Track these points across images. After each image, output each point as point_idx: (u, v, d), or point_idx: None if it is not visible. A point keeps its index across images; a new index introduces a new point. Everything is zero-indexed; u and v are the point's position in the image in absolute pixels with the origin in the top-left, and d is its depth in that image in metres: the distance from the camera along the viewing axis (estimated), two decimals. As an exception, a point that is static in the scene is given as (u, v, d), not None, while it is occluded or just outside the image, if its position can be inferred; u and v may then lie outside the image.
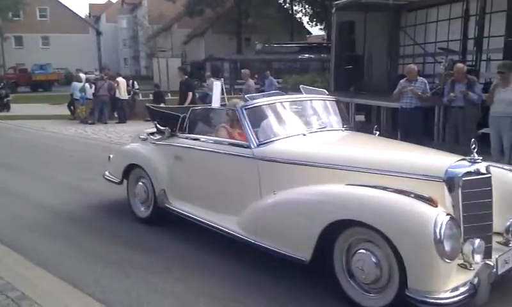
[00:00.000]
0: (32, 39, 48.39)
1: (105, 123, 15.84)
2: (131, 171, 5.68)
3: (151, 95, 18.33)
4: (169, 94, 20.82)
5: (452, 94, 8.05)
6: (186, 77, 12.59)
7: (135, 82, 18.97)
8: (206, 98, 17.99)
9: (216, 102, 5.17)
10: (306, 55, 25.90)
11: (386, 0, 13.86)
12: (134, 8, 60.11)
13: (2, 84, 22.09)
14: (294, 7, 39.06)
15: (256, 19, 35.90)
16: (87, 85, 16.75)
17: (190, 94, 11.98)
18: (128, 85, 17.11)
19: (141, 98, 18.69)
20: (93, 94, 16.28)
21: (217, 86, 5.31)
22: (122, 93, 16.23)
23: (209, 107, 5.49)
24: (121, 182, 5.84)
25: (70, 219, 5.80)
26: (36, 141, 13.00)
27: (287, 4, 39.28)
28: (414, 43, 14.75)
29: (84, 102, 16.70)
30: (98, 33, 55.63)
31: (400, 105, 8.74)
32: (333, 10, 15.95)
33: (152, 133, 5.54)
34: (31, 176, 8.37)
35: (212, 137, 4.81)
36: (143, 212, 5.55)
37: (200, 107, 5.64)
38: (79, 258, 4.55)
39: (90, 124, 15.79)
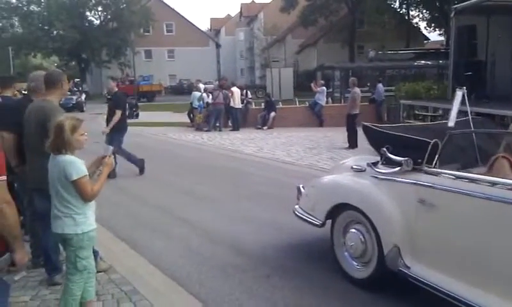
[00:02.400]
0: (159, 53, 52.87)
1: (220, 131, 16.74)
2: (339, 211, 4.35)
3: (262, 104, 18.94)
4: (280, 103, 21.33)
5: None
6: (116, 90, 9.67)
7: (248, 92, 19.77)
8: (316, 106, 18.15)
9: (452, 120, 4.10)
10: (422, 61, 24.65)
11: (511, 2, 12.78)
12: (251, 21, 62.51)
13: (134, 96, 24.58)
14: (411, 13, 37.45)
15: (370, 26, 35.08)
16: (205, 94, 17.89)
17: (118, 112, 8.86)
18: (242, 94, 17.90)
19: (253, 106, 19.42)
20: (210, 103, 17.32)
21: (457, 97, 4.22)
22: (236, 102, 17.02)
23: (482, 130, 4.26)
24: (323, 225, 4.55)
25: (182, 220, 6.29)
26: (157, 146, 14.20)
27: (403, 10, 37.79)
28: (546, 46, 13.33)
29: (201, 111, 17.85)
30: (218, 46, 58.85)
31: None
32: (452, 14, 15.08)
33: (374, 164, 4.09)
34: (149, 179, 9.20)
35: (487, 176, 3.27)
36: (357, 270, 4.18)
37: (460, 131, 4.10)
38: (186, 259, 4.93)
39: (206, 131, 16.82)
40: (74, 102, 27.83)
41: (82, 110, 27.13)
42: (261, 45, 41.38)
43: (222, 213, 6.63)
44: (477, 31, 14.27)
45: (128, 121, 21.14)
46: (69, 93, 22.84)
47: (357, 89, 12.31)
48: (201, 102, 17.81)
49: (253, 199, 7.33)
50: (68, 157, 3.19)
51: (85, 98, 30.92)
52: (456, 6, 15.91)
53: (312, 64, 38.99)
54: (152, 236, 5.68)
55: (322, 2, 39.26)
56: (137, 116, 23.11)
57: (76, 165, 3.17)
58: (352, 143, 12.07)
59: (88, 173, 3.24)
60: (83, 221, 3.23)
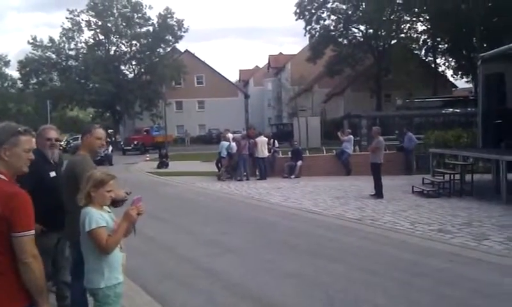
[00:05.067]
0: (190, 104, 54.27)
1: (248, 180, 16.83)
2: None
3: (289, 153, 19.03)
4: (307, 151, 21.39)
5: None
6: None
7: (275, 141, 19.94)
8: (343, 155, 18.11)
9: None
10: (450, 109, 24.43)
11: (542, 48, 12.68)
12: (279, 72, 63.82)
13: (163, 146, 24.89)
14: (437, 61, 37.54)
15: (397, 75, 35.26)
16: (233, 144, 18.11)
17: None
18: (269, 143, 18.06)
19: (280, 155, 19.52)
20: (231, 153, 17.52)
21: None
22: (260, 152, 17.15)
23: None
24: None
25: (207, 271, 6.26)
26: (185, 195, 14.37)
27: (429, 58, 37.94)
28: None
29: (228, 159, 18.03)
30: (246, 96, 60.07)
31: None
32: (479, 62, 15.07)
33: None
34: (176, 228, 9.27)
35: None
36: None
37: None
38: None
39: (227, 179, 16.96)
40: (102, 155, 23.54)
41: (111, 164, 25.26)
42: (288, 94, 42.03)
43: (247, 264, 6.58)
44: (505, 78, 14.14)
45: (158, 170, 22.00)
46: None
47: (381, 139, 12.27)
48: (230, 151, 18.03)
49: (278, 250, 7.26)
50: (88, 209, 3.20)
51: (111, 151, 29.16)
52: (482, 54, 15.91)
53: (339, 113, 39.21)
54: (178, 288, 5.67)
55: (348, 52, 39.91)
56: (167, 165, 23.53)
57: (94, 216, 3.16)
58: (379, 193, 11.91)
59: (105, 225, 3.18)
60: (107, 275, 3.21)
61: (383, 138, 13.14)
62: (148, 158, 27.81)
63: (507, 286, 5.41)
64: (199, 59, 56.58)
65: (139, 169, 24.13)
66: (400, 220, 9.12)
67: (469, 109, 21.28)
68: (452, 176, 12.74)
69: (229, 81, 60.38)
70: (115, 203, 3.73)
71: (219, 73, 57.67)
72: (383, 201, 11.40)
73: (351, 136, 18.92)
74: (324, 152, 21.36)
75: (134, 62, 49.37)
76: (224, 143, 18.49)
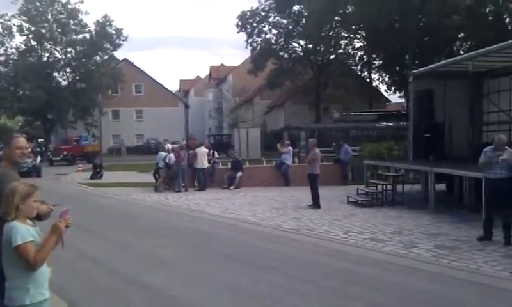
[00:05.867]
0: (127, 113, 52.82)
1: (186, 191, 16.54)
2: None
3: (229, 164, 18.96)
4: (247, 162, 21.42)
5: None
6: None
7: (215, 152, 19.80)
8: (282, 166, 18.32)
9: None
10: (384, 123, 25.53)
11: (465, 68, 13.55)
12: (220, 82, 63.85)
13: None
14: (372, 76, 39.26)
15: (335, 89, 36.42)
16: (171, 155, 17.73)
17: None
18: (208, 154, 17.89)
19: (220, 166, 19.40)
20: (169, 163, 17.18)
21: None
22: (200, 162, 16.96)
23: None
24: None
25: (143, 286, 6.01)
26: (120, 207, 13.88)
27: (365, 73, 39.60)
28: (499, 110, 14.06)
29: (166, 170, 17.63)
30: (187, 106, 59.40)
31: (485, 175, 8.15)
32: (410, 79, 15.86)
33: None
34: (110, 241, 8.88)
35: None
36: None
37: None
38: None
39: (164, 191, 16.61)
40: (29, 166, 22.20)
41: (39, 175, 23.23)
42: (230, 105, 42.10)
43: (183, 276, 6.41)
44: (434, 94, 14.98)
45: (91, 181, 21.10)
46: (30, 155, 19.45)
47: (317, 150, 12.53)
48: (168, 162, 17.66)
49: (216, 262, 7.15)
50: (13, 223, 3.02)
51: (40, 161, 27.00)
52: (413, 71, 16.80)
53: (280, 125, 39.75)
54: (110, 305, 5.40)
55: (289, 65, 40.72)
56: (100, 176, 22.65)
57: (20, 230, 2.99)
58: (316, 203, 12.13)
59: (32, 239, 3.02)
60: (33, 292, 3.03)
61: (321, 150, 13.45)
62: (80, 169, 26.60)
63: (435, 293, 5.62)
64: (138, 68, 55.34)
65: (71, 180, 23.02)
66: (335, 230, 9.31)
67: (401, 123, 22.28)
68: (384, 186, 13.26)
69: (169, 91, 59.50)
70: (39, 216, 3.50)
71: (158, 83, 56.69)
72: (320, 211, 11.62)
73: (290, 148, 19.20)
74: (264, 163, 21.51)
75: (68, 70, 47.31)
76: (162, 154, 18.11)
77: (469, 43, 28.34)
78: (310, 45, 39.24)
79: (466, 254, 7.16)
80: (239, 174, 17.68)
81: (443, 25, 25.71)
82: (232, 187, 17.22)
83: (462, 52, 26.85)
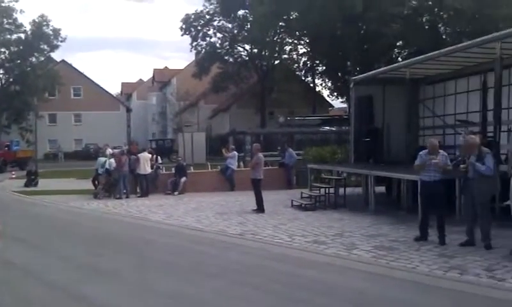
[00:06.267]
0: (65, 117, 50.75)
1: (127, 197, 16.04)
2: None
3: (173, 169, 18.63)
4: (191, 167, 21.16)
5: (462, 166, 7.86)
6: None
7: (158, 157, 19.38)
8: (227, 170, 18.24)
9: None
10: (327, 127, 26.15)
11: (403, 74, 14.14)
12: (164, 86, 62.88)
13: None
14: (316, 81, 40.14)
15: (279, 94, 36.91)
16: (111, 160, 17.12)
17: None
18: (151, 159, 17.46)
19: (163, 171, 19.02)
20: (110, 169, 16.60)
21: None
22: (142, 168, 16.53)
23: None
24: None
25: (79, 298, 5.70)
26: (56, 216, 13.25)
27: (309, 78, 40.40)
28: (433, 115, 14.77)
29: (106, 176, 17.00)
30: (129, 110, 57.93)
31: (421, 178, 8.51)
32: (351, 85, 16.34)
33: None
34: (45, 252, 8.41)
35: None
36: None
37: None
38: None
39: (104, 198, 16.05)
40: None
41: None
42: (174, 109, 41.52)
43: (123, 287, 6.15)
44: (374, 100, 15.49)
45: (26, 189, 19.97)
46: None
47: (260, 155, 12.56)
48: (109, 167, 17.03)
49: (158, 270, 6.94)
50: None
51: None
52: (354, 77, 17.32)
53: (225, 129, 39.72)
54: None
55: (234, 70, 40.78)
56: (36, 184, 21.49)
57: None
58: (260, 207, 12.16)
59: None
60: None
61: (266, 154, 13.51)
62: (14, 176, 25.15)
63: (374, 293, 5.76)
64: (77, 70, 53.36)
65: (3, 187, 21.71)
66: (279, 234, 9.34)
67: (343, 127, 22.89)
68: (327, 189, 13.51)
69: (110, 94, 57.84)
70: None
71: (98, 86, 54.91)
72: (264, 216, 11.64)
73: (235, 152, 19.16)
74: (209, 168, 21.34)
75: (1, 71, 44.81)
76: (101, 159, 17.41)
77: (407, 50, 29.60)
78: (255, 50, 39.55)
79: (403, 254, 7.40)
80: (183, 179, 17.40)
81: (382, 33, 26.74)
82: (175, 193, 16.91)
83: (400, 59, 28.04)
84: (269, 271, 6.84)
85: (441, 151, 8.30)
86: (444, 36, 28.12)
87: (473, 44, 11.99)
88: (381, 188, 14.36)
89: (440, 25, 28.90)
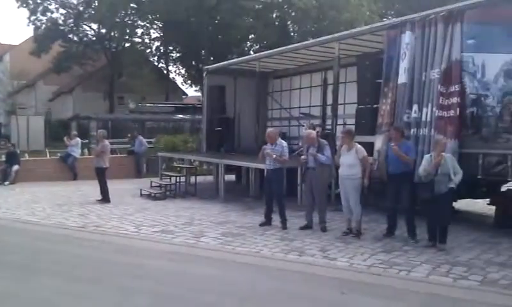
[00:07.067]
0: None
1: None
2: None
3: (3, 156, 16.45)
4: (26, 155, 19.00)
5: (303, 157, 8.39)
6: None
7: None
8: (69, 158, 16.80)
9: None
10: (181, 115, 25.86)
11: (253, 67, 14.62)
12: (-5, 62, 55.33)
13: None
14: (169, 68, 39.26)
15: (130, 79, 35.25)
16: None
17: None
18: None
19: (-8, 159, 16.66)
20: None
21: None
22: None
23: None
24: None
25: None
26: None
27: (162, 64, 39.36)
28: (280, 107, 15.59)
29: None
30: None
31: (265, 167, 8.87)
32: (205, 74, 16.35)
33: None
34: None
35: None
36: None
37: None
38: None
39: None
40: None
41: None
42: (6, 89, 36.71)
43: None
44: (226, 90, 15.72)
45: None
46: None
47: (106, 142, 11.78)
48: None
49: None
50: None
51: None
52: (208, 66, 17.36)
53: (68, 113, 36.54)
54: None
55: (79, 50, 37.60)
56: None
57: None
58: (106, 197, 11.43)
59: None
60: None
61: (114, 141, 12.72)
62: None
63: (219, 277, 5.81)
64: None
65: None
66: (125, 225, 8.86)
67: (197, 116, 22.87)
68: (178, 178, 13.31)
69: None
70: None
71: None
72: (109, 206, 10.95)
73: (78, 139, 17.72)
74: (48, 155, 19.41)
75: None
76: None
77: (259, 44, 30.72)
78: (104, 30, 37.06)
79: (249, 239, 7.61)
80: (15, 167, 15.46)
81: (235, 25, 27.28)
82: (6, 183, 14.96)
83: (252, 53, 29.00)
84: (112, 264, 6.46)
85: (280, 141, 8.68)
86: (292, 34, 29.89)
87: (315, 43, 12.97)
88: (232, 177, 14.71)
89: (288, 23, 30.60)
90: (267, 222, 8.60)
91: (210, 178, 14.83)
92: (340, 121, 11.51)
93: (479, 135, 7.74)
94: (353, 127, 10.15)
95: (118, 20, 33.19)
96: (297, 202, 9.99)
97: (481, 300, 5.09)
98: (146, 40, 37.24)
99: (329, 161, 8.15)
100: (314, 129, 11.10)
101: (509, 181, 7.78)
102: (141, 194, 12.67)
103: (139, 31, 36.31)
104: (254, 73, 14.59)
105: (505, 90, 7.40)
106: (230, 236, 7.80)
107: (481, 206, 9.35)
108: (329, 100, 12.16)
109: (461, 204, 9.31)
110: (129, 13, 34.10)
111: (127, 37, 35.62)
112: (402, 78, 8.80)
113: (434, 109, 8.09)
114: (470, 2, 8.08)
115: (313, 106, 14.09)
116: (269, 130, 9.15)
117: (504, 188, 8.19)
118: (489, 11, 7.73)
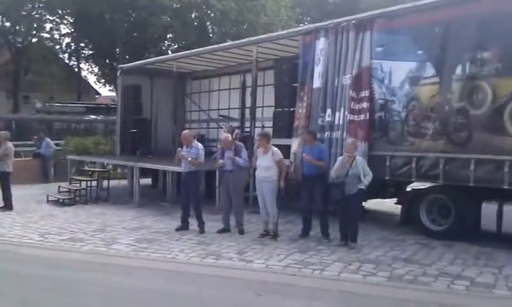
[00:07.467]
0: None
1: None
2: None
3: None
4: None
5: (221, 161, 8.28)
6: None
7: None
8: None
9: None
10: (93, 116, 24.61)
11: (171, 67, 14.29)
12: None
13: None
14: (81, 66, 37.22)
15: (37, 76, 32.95)
16: None
17: None
18: None
19: None
20: None
21: None
22: None
23: None
24: None
25: None
26: None
27: (73, 62, 37.25)
28: (199, 109, 15.41)
29: None
30: None
31: (181, 170, 8.68)
32: (119, 73, 15.71)
33: None
34: None
35: None
36: None
37: None
38: None
39: None
40: None
41: None
42: None
43: None
44: (142, 90, 15.20)
45: None
46: None
47: (10, 144, 10.85)
48: None
49: None
50: None
51: None
52: (122, 65, 16.67)
53: (-36, 113, 33.39)
54: None
55: (-22, 44, 34.51)
56: None
57: None
58: (8, 204, 10.52)
59: None
60: None
61: (18, 144, 11.73)
62: None
63: (130, 286, 5.56)
64: None
65: None
66: (29, 233, 8.21)
67: (111, 117, 21.88)
68: (89, 183, 12.60)
69: None
70: None
71: None
72: (12, 214, 10.09)
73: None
74: None
75: None
76: None
77: (177, 44, 30.12)
78: (8, 23, 34.28)
79: (164, 245, 7.38)
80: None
81: (152, 23, 26.53)
82: None
83: (170, 52, 28.38)
84: (15, 276, 5.93)
85: (195, 143, 8.54)
86: (211, 35, 29.71)
87: (233, 45, 12.97)
88: (148, 181, 14.24)
89: (208, 24, 30.38)
90: (184, 226, 8.41)
91: (124, 182, 14.23)
92: (258, 124, 11.62)
93: (387, 139, 8.20)
94: (270, 130, 10.31)
95: (24, 13, 30.86)
96: (215, 205, 9.89)
97: (388, 295, 5.35)
98: (56, 36, 34.92)
99: (246, 164, 8.18)
100: (233, 131, 11.14)
101: (414, 181, 8.27)
102: (48, 200, 11.83)
103: (48, 26, 33.99)
104: (171, 74, 14.27)
105: (410, 96, 7.91)
106: (145, 243, 7.51)
107: (389, 205, 9.90)
108: (248, 103, 12.21)
109: (371, 204, 9.77)
110: (37, 6, 31.85)
111: (35, 32, 33.20)
112: (317, 82, 9.08)
113: (346, 113, 8.43)
114: (379, 12, 8.53)
115: (232, 108, 14.07)
116: (184, 132, 8.97)
117: (408, 188, 8.70)
118: (396, 21, 8.22)
